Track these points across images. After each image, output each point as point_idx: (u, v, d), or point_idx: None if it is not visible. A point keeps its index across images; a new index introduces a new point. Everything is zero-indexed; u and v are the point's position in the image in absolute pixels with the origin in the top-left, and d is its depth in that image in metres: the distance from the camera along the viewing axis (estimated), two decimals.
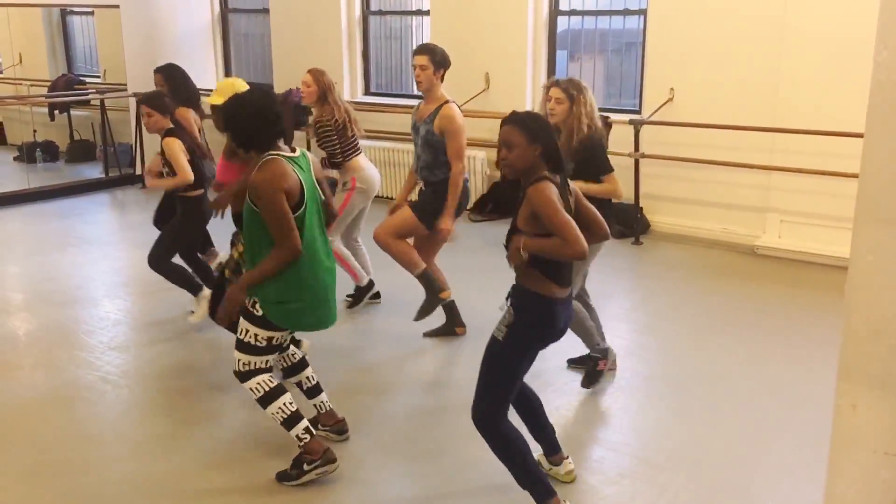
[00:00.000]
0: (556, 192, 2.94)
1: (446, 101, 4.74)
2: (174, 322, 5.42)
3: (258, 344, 3.47)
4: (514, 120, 3.02)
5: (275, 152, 3.36)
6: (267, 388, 3.50)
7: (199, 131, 5.57)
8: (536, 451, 3.48)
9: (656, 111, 7.33)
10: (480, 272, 6.01)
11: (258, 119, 3.33)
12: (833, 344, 5.05)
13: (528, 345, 3.12)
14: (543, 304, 3.05)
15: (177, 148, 4.93)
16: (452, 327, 5.08)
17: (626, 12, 7.88)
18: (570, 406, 4.29)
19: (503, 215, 7.42)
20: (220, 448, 3.88)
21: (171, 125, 5.03)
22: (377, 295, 5.68)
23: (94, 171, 10.52)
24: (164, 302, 5.51)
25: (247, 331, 3.47)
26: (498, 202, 7.78)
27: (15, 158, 11.28)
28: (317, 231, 3.47)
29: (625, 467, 3.74)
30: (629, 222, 7.29)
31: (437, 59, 4.73)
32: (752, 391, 4.47)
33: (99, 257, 7.10)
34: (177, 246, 5.22)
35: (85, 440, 4.00)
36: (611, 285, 6.03)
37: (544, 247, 2.94)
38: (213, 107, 4.38)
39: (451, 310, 5.07)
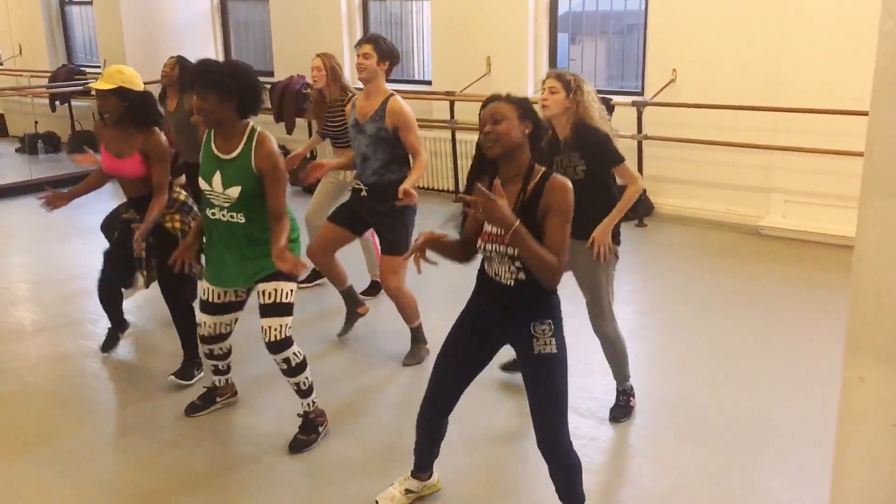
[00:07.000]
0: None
1: (391, 95, 4.35)
2: None
3: (293, 301, 3.53)
4: (503, 97, 2.81)
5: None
6: (302, 356, 3.57)
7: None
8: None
9: (659, 92, 7.30)
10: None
11: (257, 85, 3.44)
12: (838, 321, 5.04)
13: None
14: (555, 296, 2.86)
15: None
16: (355, 308, 4.91)
17: None
18: (574, 387, 4.27)
19: None
20: (222, 424, 3.91)
21: None
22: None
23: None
24: None
25: (291, 291, 3.50)
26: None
27: (17, 150, 11.29)
28: None
29: (631, 446, 3.76)
30: (633, 204, 7.24)
31: (383, 50, 4.33)
32: (757, 369, 4.47)
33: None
34: None
35: (90, 426, 4.02)
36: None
37: (536, 252, 2.63)
38: (100, 91, 4.06)
39: (349, 296, 4.88)
